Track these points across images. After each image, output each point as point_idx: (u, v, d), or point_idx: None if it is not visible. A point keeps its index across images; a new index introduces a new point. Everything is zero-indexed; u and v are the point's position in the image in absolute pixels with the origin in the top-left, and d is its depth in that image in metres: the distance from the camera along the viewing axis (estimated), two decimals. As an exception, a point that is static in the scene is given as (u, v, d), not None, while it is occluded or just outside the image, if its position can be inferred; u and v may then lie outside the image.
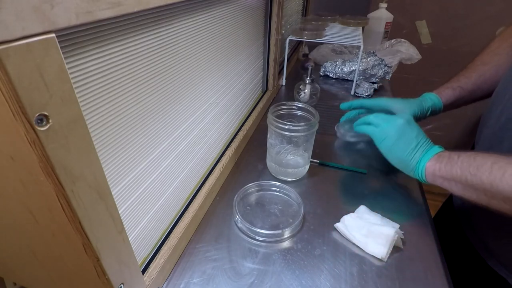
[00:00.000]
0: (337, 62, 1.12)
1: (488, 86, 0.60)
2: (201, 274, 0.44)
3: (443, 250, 0.48)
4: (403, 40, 1.24)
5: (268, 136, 0.61)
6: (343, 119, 0.75)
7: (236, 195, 0.55)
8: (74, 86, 0.22)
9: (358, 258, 0.47)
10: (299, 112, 0.63)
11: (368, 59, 1.05)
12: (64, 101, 0.21)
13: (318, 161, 0.68)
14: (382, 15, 1.29)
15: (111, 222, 0.28)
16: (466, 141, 1.94)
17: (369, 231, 0.48)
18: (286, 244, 0.49)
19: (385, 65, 1.05)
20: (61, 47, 0.20)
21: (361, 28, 1.15)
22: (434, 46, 1.84)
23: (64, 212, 0.23)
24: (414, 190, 0.60)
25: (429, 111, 0.63)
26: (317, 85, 0.91)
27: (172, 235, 0.45)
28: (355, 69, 1.03)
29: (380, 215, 0.51)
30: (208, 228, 0.52)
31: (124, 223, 0.31)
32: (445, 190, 0.47)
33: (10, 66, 0.17)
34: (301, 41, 1.38)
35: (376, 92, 1.02)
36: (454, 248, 0.60)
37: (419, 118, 0.63)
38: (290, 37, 0.98)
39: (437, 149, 0.50)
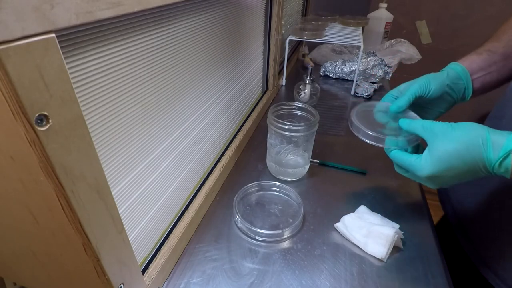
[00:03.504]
0: (337, 62, 1.12)
1: None
2: (201, 274, 0.44)
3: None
4: (403, 40, 1.24)
5: (268, 136, 0.61)
6: (385, 100, 0.52)
7: (236, 195, 0.55)
8: (74, 86, 0.22)
9: (358, 258, 0.47)
10: (299, 112, 0.63)
11: (368, 59, 1.05)
12: (64, 101, 0.21)
13: (318, 161, 0.68)
14: (382, 15, 1.29)
15: (111, 222, 0.28)
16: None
17: (369, 231, 0.48)
18: (286, 244, 0.49)
19: (385, 65, 1.05)
20: (61, 47, 0.20)
21: (361, 28, 1.15)
22: (434, 46, 1.84)
23: (64, 212, 0.23)
24: (414, 190, 0.60)
25: (451, 84, 0.49)
26: (317, 85, 0.91)
27: (172, 235, 0.45)
28: (355, 69, 1.03)
29: (380, 215, 0.51)
30: (208, 228, 0.52)
31: (124, 223, 0.31)
32: None
33: (10, 66, 0.17)
34: (301, 41, 1.38)
35: (376, 92, 1.02)
36: (453, 258, 0.60)
37: (438, 99, 0.50)
38: (290, 37, 0.98)
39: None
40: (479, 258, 0.53)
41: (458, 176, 0.38)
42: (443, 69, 0.51)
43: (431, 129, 0.40)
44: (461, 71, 0.50)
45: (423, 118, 0.48)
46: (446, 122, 0.40)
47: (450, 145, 0.37)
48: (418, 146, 0.47)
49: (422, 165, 0.40)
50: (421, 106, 0.52)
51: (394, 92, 0.52)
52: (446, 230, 0.65)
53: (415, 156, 0.42)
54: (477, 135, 0.36)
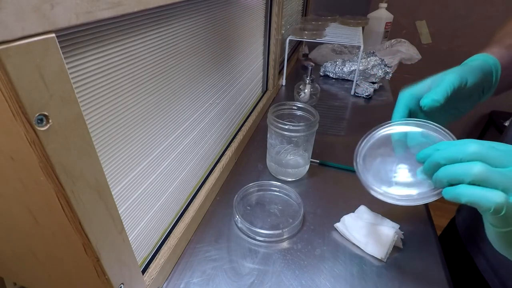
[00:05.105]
0: (337, 62, 1.12)
1: None
2: (201, 274, 0.44)
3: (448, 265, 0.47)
4: (403, 40, 1.24)
5: (268, 136, 0.61)
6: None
7: (236, 195, 0.55)
8: (74, 86, 0.22)
9: (358, 258, 0.47)
10: (299, 112, 0.63)
11: (368, 59, 1.05)
12: (64, 101, 0.21)
13: (318, 161, 0.68)
14: (382, 15, 1.29)
15: (111, 222, 0.28)
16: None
17: (369, 231, 0.48)
18: (286, 244, 0.49)
19: (385, 65, 1.05)
20: (61, 47, 0.20)
21: (361, 28, 1.15)
22: (434, 46, 1.84)
23: (64, 212, 0.23)
24: (414, 190, 0.60)
25: (484, 78, 0.40)
26: (317, 85, 0.91)
27: (172, 235, 0.45)
28: (355, 69, 1.03)
29: (380, 215, 0.51)
30: (208, 228, 0.52)
31: (124, 223, 0.31)
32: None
33: (10, 66, 0.17)
34: (301, 41, 1.38)
35: (376, 92, 1.02)
36: (459, 267, 0.58)
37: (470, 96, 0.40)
38: (290, 37, 0.98)
39: None
40: None
41: None
42: (470, 60, 0.42)
43: None
44: (493, 65, 0.41)
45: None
46: None
47: None
48: None
49: None
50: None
51: (416, 90, 0.39)
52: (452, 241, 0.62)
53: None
54: None
